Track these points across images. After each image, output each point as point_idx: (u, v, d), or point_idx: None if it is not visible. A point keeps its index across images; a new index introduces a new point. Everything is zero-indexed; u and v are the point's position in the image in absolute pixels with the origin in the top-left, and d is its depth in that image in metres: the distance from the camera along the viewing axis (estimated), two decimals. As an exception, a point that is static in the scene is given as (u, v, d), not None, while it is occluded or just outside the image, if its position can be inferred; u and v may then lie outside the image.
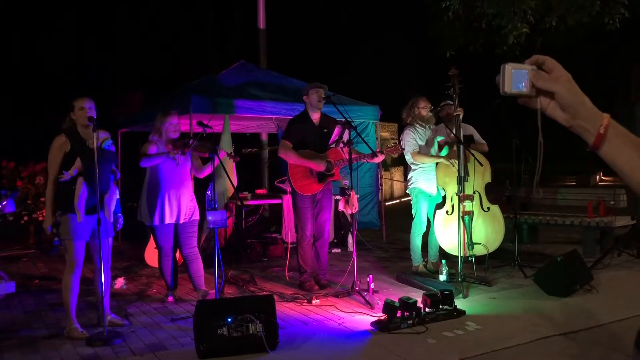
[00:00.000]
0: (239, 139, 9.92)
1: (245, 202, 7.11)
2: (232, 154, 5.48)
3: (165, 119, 4.81)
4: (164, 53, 17.45)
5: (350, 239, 7.66)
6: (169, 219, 4.79)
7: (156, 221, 4.77)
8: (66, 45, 15.91)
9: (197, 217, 4.98)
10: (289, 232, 7.15)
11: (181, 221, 4.85)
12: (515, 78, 1.06)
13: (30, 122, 14.42)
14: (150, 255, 6.11)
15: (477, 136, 6.07)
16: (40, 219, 8.85)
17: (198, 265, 4.96)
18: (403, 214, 10.81)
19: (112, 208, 4.22)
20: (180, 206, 4.82)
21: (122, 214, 4.37)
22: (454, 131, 5.33)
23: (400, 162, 17.18)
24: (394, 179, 16.77)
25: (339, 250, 7.54)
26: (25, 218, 8.80)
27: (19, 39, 15.50)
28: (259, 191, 8.36)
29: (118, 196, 4.33)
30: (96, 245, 3.99)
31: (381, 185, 9.07)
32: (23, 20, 15.44)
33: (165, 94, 10.16)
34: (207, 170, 4.93)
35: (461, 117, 5.44)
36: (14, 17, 15.09)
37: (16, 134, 14.06)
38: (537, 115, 1.09)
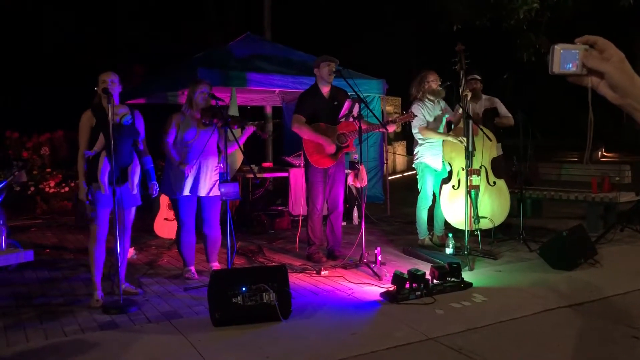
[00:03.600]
0: (244, 112, 9.92)
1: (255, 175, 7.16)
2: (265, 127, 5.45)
3: (195, 87, 4.73)
4: (164, 24, 17.29)
5: (355, 213, 7.74)
6: (191, 191, 4.74)
7: (178, 193, 4.72)
8: (67, 17, 15.76)
9: None
10: (295, 205, 7.22)
11: (204, 194, 4.79)
12: (564, 58, 1.09)
13: (33, 94, 14.39)
14: (160, 226, 6.19)
15: (503, 110, 6.13)
16: (47, 189, 8.92)
17: (215, 242, 4.97)
18: (406, 188, 10.87)
19: (136, 180, 4.29)
20: (204, 178, 4.76)
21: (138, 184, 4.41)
22: (467, 107, 5.38)
23: (404, 136, 17.20)
24: (397, 153, 16.79)
25: (344, 223, 7.60)
26: (32, 189, 8.87)
27: (20, 10, 15.33)
28: (265, 164, 8.41)
29: (152, 165, 4.42)
30: (116, 216, 4.03)
31: (386, 160, 9.11)
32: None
33: (168, 65, 10.13)
34: (240, 142, 4.90)
35: (469, 97, 5.47)
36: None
37: (20, 105, 14.06)
38: (588, 94, 1.12)
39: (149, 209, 6.88)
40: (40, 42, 15.46)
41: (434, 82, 5.68)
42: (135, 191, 4.29)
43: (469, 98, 5.45)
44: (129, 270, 4.96)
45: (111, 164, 3.96)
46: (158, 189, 4.51)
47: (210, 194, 4.81)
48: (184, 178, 4.70)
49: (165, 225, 6.19)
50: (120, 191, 4.01)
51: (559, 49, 1.10)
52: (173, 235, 6.17)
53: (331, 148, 5.22)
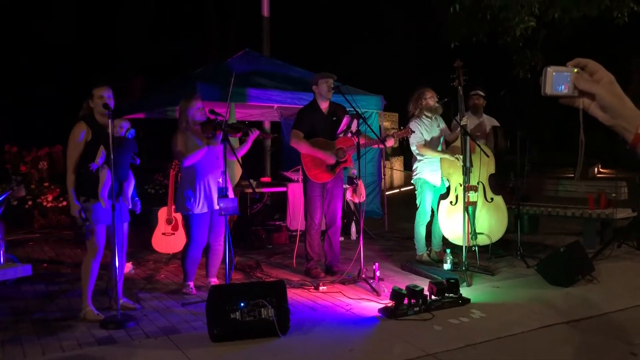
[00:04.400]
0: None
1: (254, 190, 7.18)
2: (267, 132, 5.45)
3: (190, 104, 4.72)
4: (163, 39, 17.39)
5: (353, 228, 7.74)
6: (205, 208, 4.72)
7: (192, 210, 4.69)
8: (66, 29, 15.85)
9: None
10: (293, 220, 7.23)
11: (215, 207, 4.77)
12: (556, 80, 1.13)
13: (32, 108, 14.42)
14: (157, 240, 6.18)
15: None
16: (45, 203, 8.90)
17: (219, 256, 4.96)
18: (403, 203, 10.88)
19: (130, 194, 4.29)
20: (215, 192, 4.76)
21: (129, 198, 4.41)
22: (463, 123, 5.43)
23: (401, 151, 17.25)
24: (394, 168, 16.83)
25: (342, 238, 7.59)
26: (30, 203, 8.85)
27: (19, 21, 15.41)
28: (263, 179, 8.43)
29: (134, 180, 4.41)
30: (115, 231, 4.05)
31: (384, 175, 9.14)
32: (25, 2, 15.34)
33: (167, 80, 10.17)
34: (243, 151, 4.89)
35: (467, 125, 5.52)
36: (17, 1, 15.00)
37: (18, 118, 14.08)
38: (580, 115, 1.15)
39: (147, 224, 6.89)
40: (39, 55, 15.52)
41: (431, 98, 5.73)
42: (130, 206, 4.30)
43: (467, 125, 5.50)
44: (126, 285, 4.96)
45: (115, 177, 3.97)
46: (140, 206, 4.50)
47: None
48: (199, 194, 4.70)
49: (163, 240, 6.18)
50: (118, 206, 4.01)
51: (551, 71, 1.13)
52: (171, 250, 6.20)
53: (330, 159, 5.24)
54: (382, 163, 9.18)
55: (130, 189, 4.32)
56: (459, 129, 5.54)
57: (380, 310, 4.16)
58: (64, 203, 9.01)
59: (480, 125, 6.18)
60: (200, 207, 4.72)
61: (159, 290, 5.01)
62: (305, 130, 5.30)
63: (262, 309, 3.63)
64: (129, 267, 5.71)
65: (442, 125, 5.87)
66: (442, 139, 5.87)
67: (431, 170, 5.76)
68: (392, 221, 8.82)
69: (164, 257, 6.29)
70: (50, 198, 8.97)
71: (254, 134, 4.79)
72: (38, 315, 4.26)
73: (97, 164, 3.99)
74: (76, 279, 5.29)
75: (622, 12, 8.41)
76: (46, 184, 9.09)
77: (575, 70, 1.13)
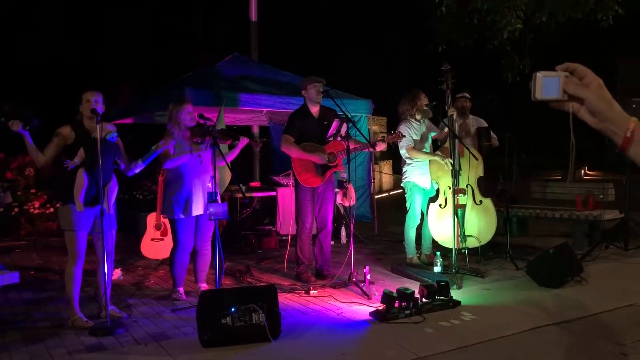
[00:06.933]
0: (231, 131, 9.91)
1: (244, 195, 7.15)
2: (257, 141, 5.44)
3: (181, 108, 4.70)
4: (151, 44, 17.34)
5: (343, 232, 7.74)
6: (192, 212, 4.71)
7: (179, 214, 4.67)
8: (54, 37, 15.75)
9: None
10: (283, 224, 7.21)
11: (201, 212, 4.76)
12: (546, 85, 1.13)
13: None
14: (147, 246, 6.13)
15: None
16: (32, 210, 8.81)
17: (206, 260, 4.94)
18: (393, 207, 10.92)
19: (113, 200, 4.23)
20: (201, 197, 4.74)
21: (114, 205, 4.32)
22: (455, 126, 5.46)
23: (389, 155, 17.28)
24: (384, 172, 16.86)
25: (332, 242, 7.58)
26: (16, 210, 8.75)
27: (4, 29, 15.28)
28: (253, 184, 8.41)
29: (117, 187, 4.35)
30: (99, 237, 4.01)
31: (373, 179, 9.15)
32: (9, 11, 15.23)
33: (155, 85, 10.13)
34: (231, 157, 4.88)
35: (455, 116, 5.55)
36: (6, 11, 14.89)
37: (4, 125, 13.93)
38: (570, 119, 1.16)
39: (135, 230, 6.83)
40: (25, 58, 15.39)
41: (425, 99, 5.76)
42: (111, 211, 4.17)
43: (455, 117, 5.53)
44: (116, 291, 4.92)
45: (95, 180, 3.92)
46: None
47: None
48: (186, 198, 4.68)
49: (152, 246, 6.14)
50: (98, 210, 3.94)
51: (541, 76, 1.14)
52: (160, 256, 6.15)
53: (321, 160, 5.23)
54: (371, 167, 9.18)
55: (114, 194, 4.25)
56: (446, 129, 5.57)
57: (371, 313, 4.16)
58: (51, 210, 8.93)
59: (464, 125, 6.20)
60: (185, 212, 4.69)
61: (149, 296, 4.97)
62: (295, 135, 5.30)
63: (253, 314, 3.61)
64: (118, 273, 5.66)
65: (429, 124, 5.89)
66: (430, 140, 5.90)
67: (421, 174, 5.78)
68: (382, 225, 8.82)
69: (153, 263, 6.24)
70: (37, 205, 8.87)
71: (243, 142, 4.78)
72: (26, 323, 4.21)
73: (73, 163, 3.90)
74: (64, 287, 5.24)
75: (606, 15, 8.52)
76: (33, 191, 8.99)
77: (565, 74, 1.14)
